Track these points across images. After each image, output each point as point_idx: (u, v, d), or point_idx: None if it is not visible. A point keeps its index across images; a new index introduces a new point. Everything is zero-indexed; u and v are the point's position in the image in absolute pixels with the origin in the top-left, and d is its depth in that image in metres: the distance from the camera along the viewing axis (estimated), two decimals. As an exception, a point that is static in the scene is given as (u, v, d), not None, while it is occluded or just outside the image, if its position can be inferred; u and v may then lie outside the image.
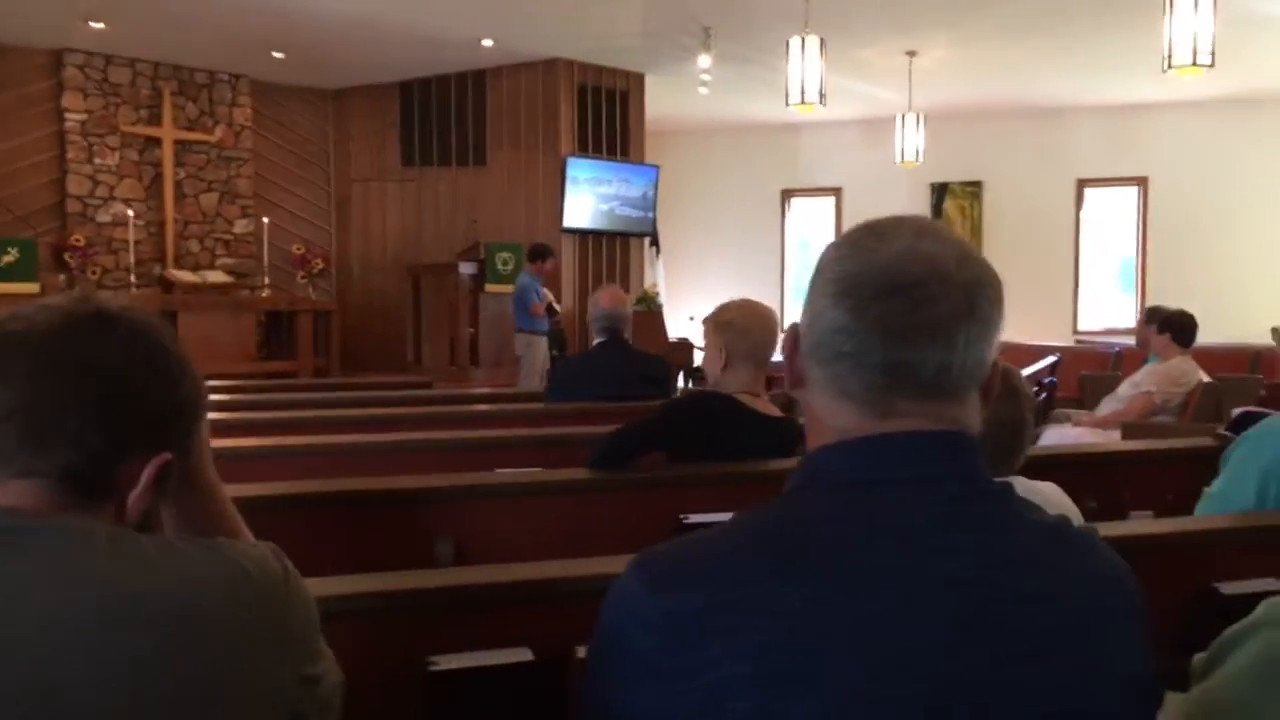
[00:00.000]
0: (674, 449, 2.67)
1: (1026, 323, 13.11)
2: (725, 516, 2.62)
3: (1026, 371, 7.07)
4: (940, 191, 14.07)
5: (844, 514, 0.97)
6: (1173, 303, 13.26)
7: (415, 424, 3.81)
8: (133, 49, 10.34)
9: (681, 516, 2.52)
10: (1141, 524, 2.06)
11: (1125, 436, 5.22)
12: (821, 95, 8.30)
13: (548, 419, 4.03)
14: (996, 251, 13.80)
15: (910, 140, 11.70)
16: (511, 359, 10.00)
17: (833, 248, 1.07)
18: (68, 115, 10.17)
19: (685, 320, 13.18)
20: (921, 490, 0.98)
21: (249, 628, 1.04)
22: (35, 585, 0.97)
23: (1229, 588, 1.87)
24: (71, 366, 1.05)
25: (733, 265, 14.54)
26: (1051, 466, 2.94)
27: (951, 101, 12.91)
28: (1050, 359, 8.03)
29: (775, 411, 2.73)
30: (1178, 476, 2.83)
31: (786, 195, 14.71)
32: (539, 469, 2.87)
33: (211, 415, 4.43)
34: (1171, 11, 6.82)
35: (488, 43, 10.63)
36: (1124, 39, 10.10)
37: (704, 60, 10.60)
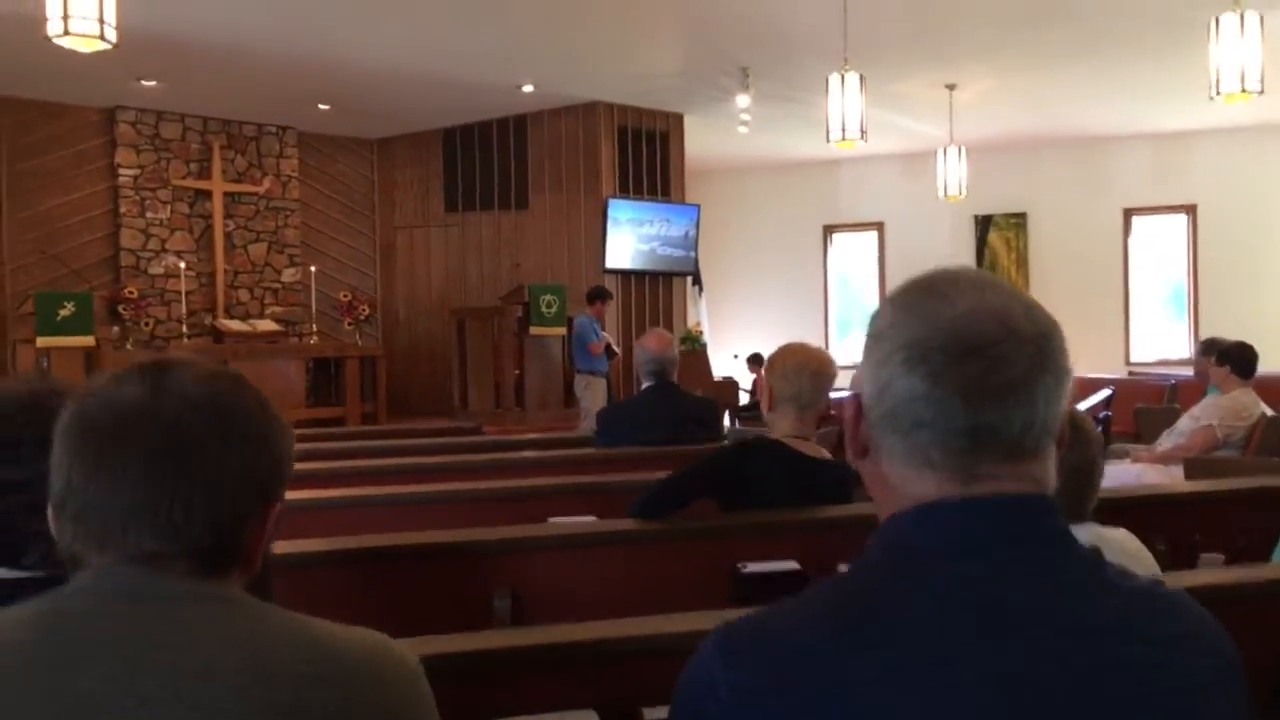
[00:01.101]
0: (722, 496, 2.64)
1: (1078, 355, 12.75)
2: (784, 564, 2.57)
3: (1090, 402, 6.96)
4: (984, 224, 13.97)
5: (926, 585, 0.94)
6: (1225, 331, 13.01)
7: (464, 472, 3.81)
8: (183, 105, 10.58)
9: (739, 565, 2.49)
10: (1223, 572, 2.00)
11: (1188, 472, 5.10)
12: (862, 131, 8.27)
13: (597, 465, 4.02)
14: (1043, 283, 13.68)
15: (952, 173, 11.63)
16: (558, 400, 10.02)
17: (890, 311, 1.03)
18: (120, 171, 10.41)
19: (730, 358, 13.16)
20: (1010, 559, 0.95)
21: (390, 707, 1.04)
22: (188, 648, 0.98)
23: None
24: (197, 451, 1.05)
25: (776, 301, 14.51)
26: (1116, 509, 2.87)
27: (993, 133, 12.85)
28: (1104, 393, 7.89)
29: (824, 454, 2.70)
30: (1247, 517, 2.74)
31: (828, 231, 14.67)
32: (593, 518, 2.85)
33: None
34: (1218, 38, 6.75)
35: (528, 88, 10.76)
36: (1167, 65, 10.02)
37: (743, 100, 10.65)
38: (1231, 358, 5.39)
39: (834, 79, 8.26)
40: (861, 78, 8.28)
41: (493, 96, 10.96)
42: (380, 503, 3.27)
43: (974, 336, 0.97)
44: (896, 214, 14.06)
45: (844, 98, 8.23)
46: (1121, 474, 5.50)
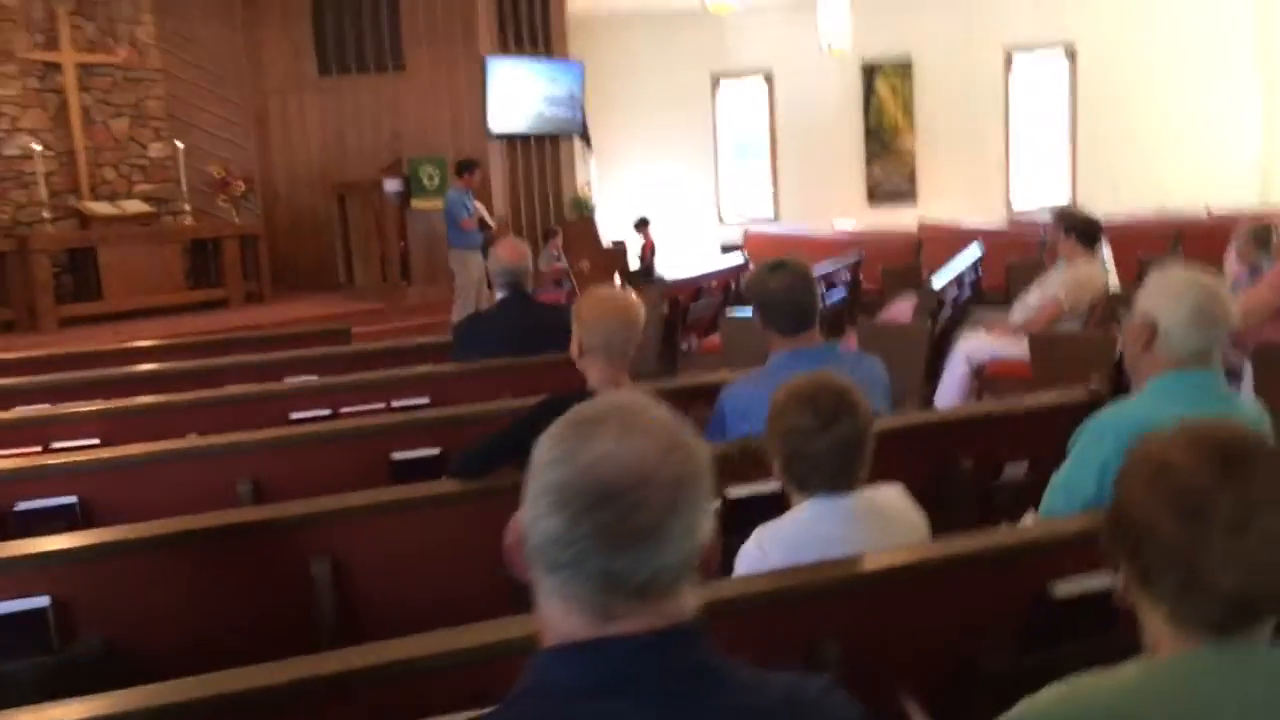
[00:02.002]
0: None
1: (960, 203, 13.19)
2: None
3: (952, 270, 7.12)
4: (871, 74, 13.89)
5: None
6: (1103, 174, 13.39)
7: (306, 396, 3.83)
8: (19, -32, 9.82)
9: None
10: (982, 537, 2.14)
11: (1032, 348, 5.35)
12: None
13: (451, 380, 4.07)
14: (929, 130, 13.79)
15: (837, 24, 11.48)
16: (446, 275, 9.91)
17: (546, 445, 1.08)
18: (-42, 45, 9.69)
19: (623, 218, 13.08)
20: (640, 697, 1.02)
21: None
22: None
23: (1064, 589, 1.95)
24: None
25: (666, 155, 14.40)
26: (926, 433, 3.03)
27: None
28: (973, 253, 8.08)
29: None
30: (1054, 431, 2.87)
31: (716, 80, 14.46)
32: (413, 486, 2.87)
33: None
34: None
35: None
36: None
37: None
38: (1077, 228, 5.56)
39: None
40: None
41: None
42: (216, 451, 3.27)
43: (609, 483, 1.02)
44: (785, 63, 13.91)
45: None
46: (975, 349, 5.73)
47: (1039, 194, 13.74)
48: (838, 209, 13.57)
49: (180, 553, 2.36)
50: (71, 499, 2.97)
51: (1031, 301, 5.69)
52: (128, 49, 10.66)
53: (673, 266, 12.12)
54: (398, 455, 3.23)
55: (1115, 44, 12.94)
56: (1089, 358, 5.09)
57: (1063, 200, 13.58)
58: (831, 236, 11.95)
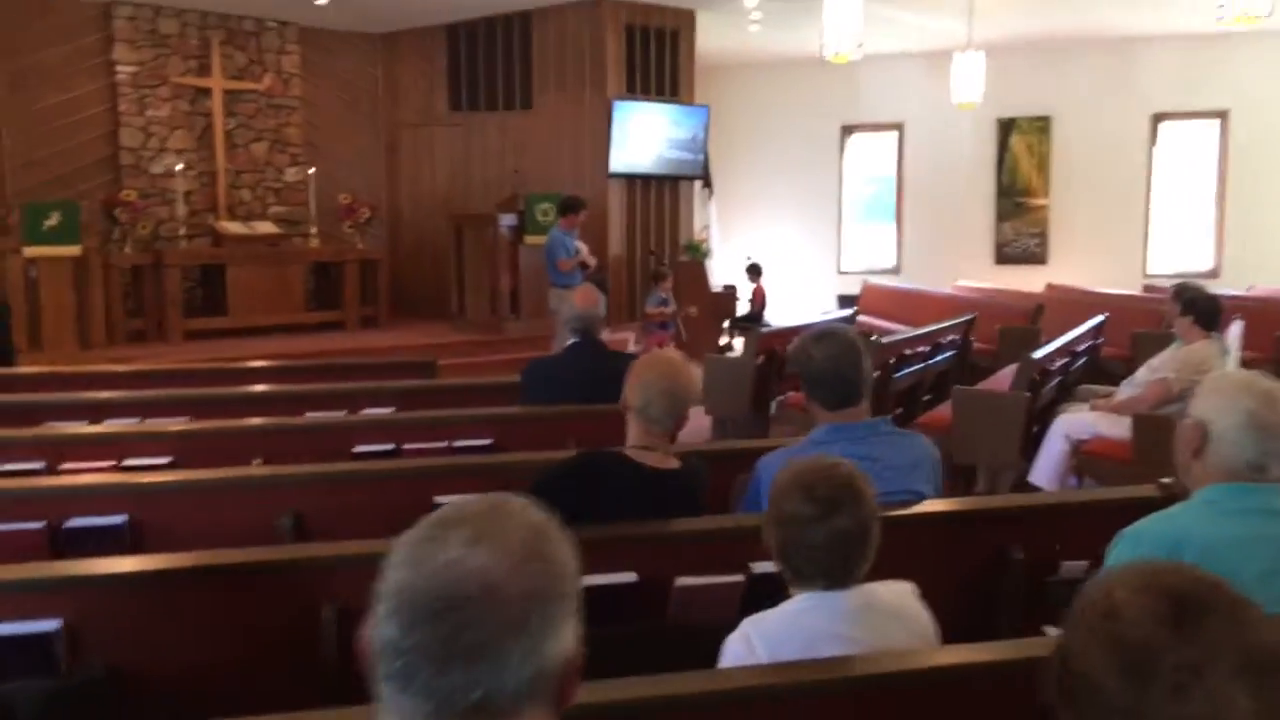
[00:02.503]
0: (563, 514, 2.67)
1: (1093, 267, 12.68)
2: (623, 577, 2.59)
3: (1069, 336, 6.81)
4: (1007, 127, 13.53)
5: None
6: (1253, 245, 12.69)
7: (373, 430, 3.87)
8: (180, 0, 10.42)
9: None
10: (994, 648, 1.98)
11: (1135, 428, 5.05)
12: (858, 44, 7.99)
13: (515, 425, 4.06)
14: (1064, 189, 13.33)
15: (970, 78, 11.20)
16: (545, 310, 9.99)
17: (402, 541, 1.03)
18: (119, 68, 10.32)
19: (741, 259, 12.97)
20: None
21: None
22: None
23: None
24: None
25: (790, 203, 14.28)
26: (978, 520, 2.85)
27: (1017, 32, 12.33)
28: (1096, 320, 7.72)
29: (670, 463, 2.69)
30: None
31: (846, 131, 14.30)
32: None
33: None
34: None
35: (530, -16, 10.47)
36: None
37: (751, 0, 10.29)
38: (1196, 307, 5.24)
39: (830, -11, 7.95)
40: (860, -12, 7.95)
41: (495, -7, 10.69)
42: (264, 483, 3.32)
43: (447, 593, 0.95)
44: (917, 115, 13.66)
45: (839, 11, 7.92)
46: (1075, 424, 5.45)
47: (1179, 261, 13.11)
48: (964, 266, 13.20)
49: (193, 587, 2.39)
50: (121, 519, 3.05)
51: (1139, 377, 5.39)
52: (272, 78, 11.19)
53: (785, 315, 12.00)
54: (439, 498, 3.22)
55: (1270, 112, 12.29)
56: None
57: (1205, 268, 12.95)
58: (951, 294, 11.61)
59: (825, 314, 9.59)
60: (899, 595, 1.95)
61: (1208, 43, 12.18)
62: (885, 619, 1.88)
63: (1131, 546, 2.01)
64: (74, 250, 8.17)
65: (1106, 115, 12.97)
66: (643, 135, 11.46)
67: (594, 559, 2.54)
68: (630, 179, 11.57)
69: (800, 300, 13.57)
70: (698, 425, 5.71)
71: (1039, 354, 5.73)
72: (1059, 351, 6.30)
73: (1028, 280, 12.55)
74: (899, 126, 14.00)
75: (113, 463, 3.76)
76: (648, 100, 11.49)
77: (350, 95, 12.02)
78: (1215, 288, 11.53)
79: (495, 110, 11.74)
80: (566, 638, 1.01)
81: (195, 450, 3.83)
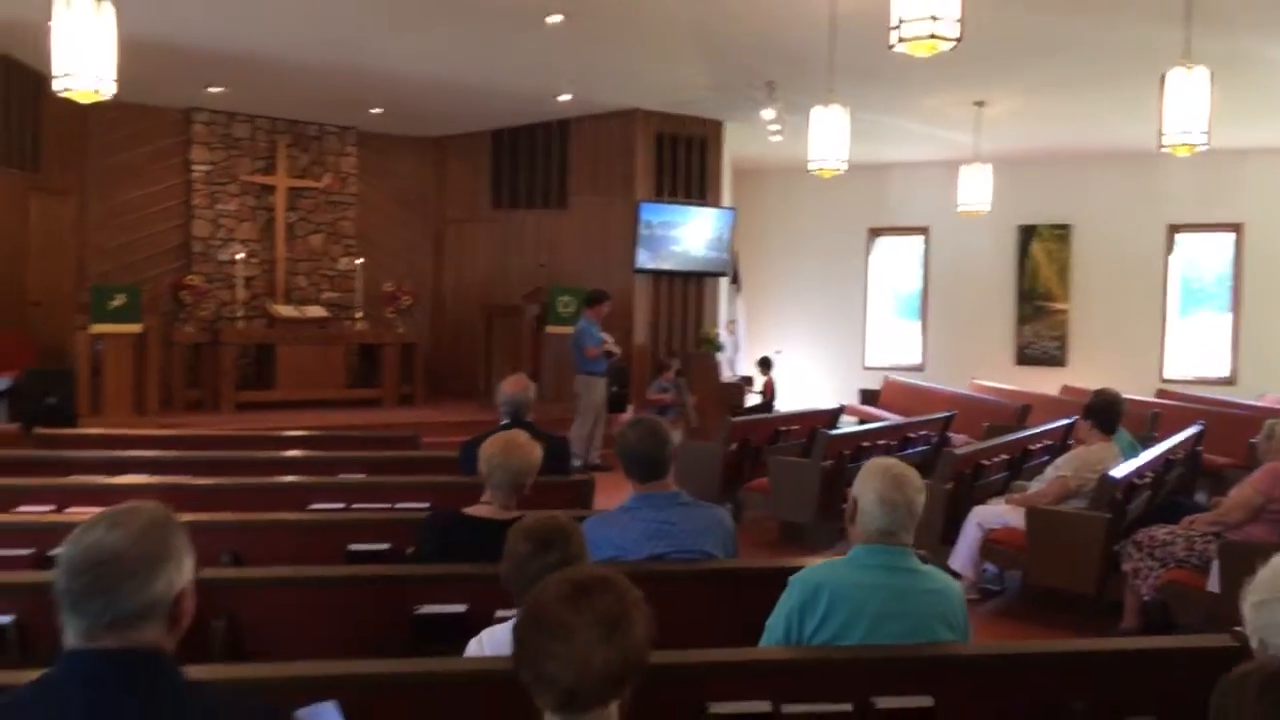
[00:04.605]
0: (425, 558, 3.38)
1: (1112, 369, 12.98)
2: (454, 608, 3.22)
3: (1004, 435, 7.27)
4: (1027, 234, 14.03)
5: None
6: (1268, 351, 12.83)
7: (325, 491, 4.59)
8: (252, 107, 11.62)
9: (415, 608, 3.18)
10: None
11: (1028, 519, 5.53)
12: (842, 161, 8.67)
13: (451, 491, 4.73)
14: (1084, 295, 13.72)
15: (977, 188, 11.80)
16: (572, 394, 10.72)
17: (73, 531, 1.69)
18: (194, 167, 11.53)
19: (764, 353, 13.58)
20: (87, 685, 1.60)
21: None
22: None
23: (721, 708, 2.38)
24: None
25: (817, 300, 14.89)
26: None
27: (1034, 146, 12.92)
28: (1055, 421, 8.15)
29: (493, 516, 3.33)
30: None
31: (874, 233, 14.93)
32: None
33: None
34: (1163, 96, 6.94)
35: (565, 98, 11.42)
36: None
37: (768, 113, 11.04)
38: (1094, 413, 5.73)
39: (816, 111, 8.66)
40: (845, 108, 8.64)
41: (535, 104, 11.66)
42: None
43: (89, 559, 1.61)
44: (941, 220, 14.21)
45: (826, 128, 8.62)
46: (987, 514, 5.93)
47: (1196, 367, 13.35)
48: (985, 366, 13.61)
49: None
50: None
51: (1047, 474, 5.86)
52: (331, 177, 12.30)
53: (800, 406, 12.53)
54: (353, 547, 3.91)
55: (1282, 223, 12.64)
56: (1081, 535, 5.26)
57: (1222, 374, 13.17)
58: (966, 393, 12.04)
59: (811, 408, 10.10)
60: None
61: (1222, 158, 12.57)
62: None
63: (797, 586, 2.60)
64: (135, 328, 9.19)
65: (1125, 225, 13.40)
66: (668, 236, 12.25)
67: (433, 592, 3.20)
68: (656, 275, 12.34)
69: (824, 394, 14.08)
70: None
71: (962, 450, 6.23)
72: (988, 450, 6.78)
73: (1046, 381, 12.92)
74: (925, 230, 14.59)
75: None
76: (674, 203, 12.31)
77: (401, 192, 13.10)
78: (1230, 395, 11.89)
79: (533, 208, 12.68)
80: (171, 582, 1.66)
81: (174, 499, 4.59)
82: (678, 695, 2.41)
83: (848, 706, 2.41)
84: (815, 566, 2.64)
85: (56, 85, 5.84)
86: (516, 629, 1.70)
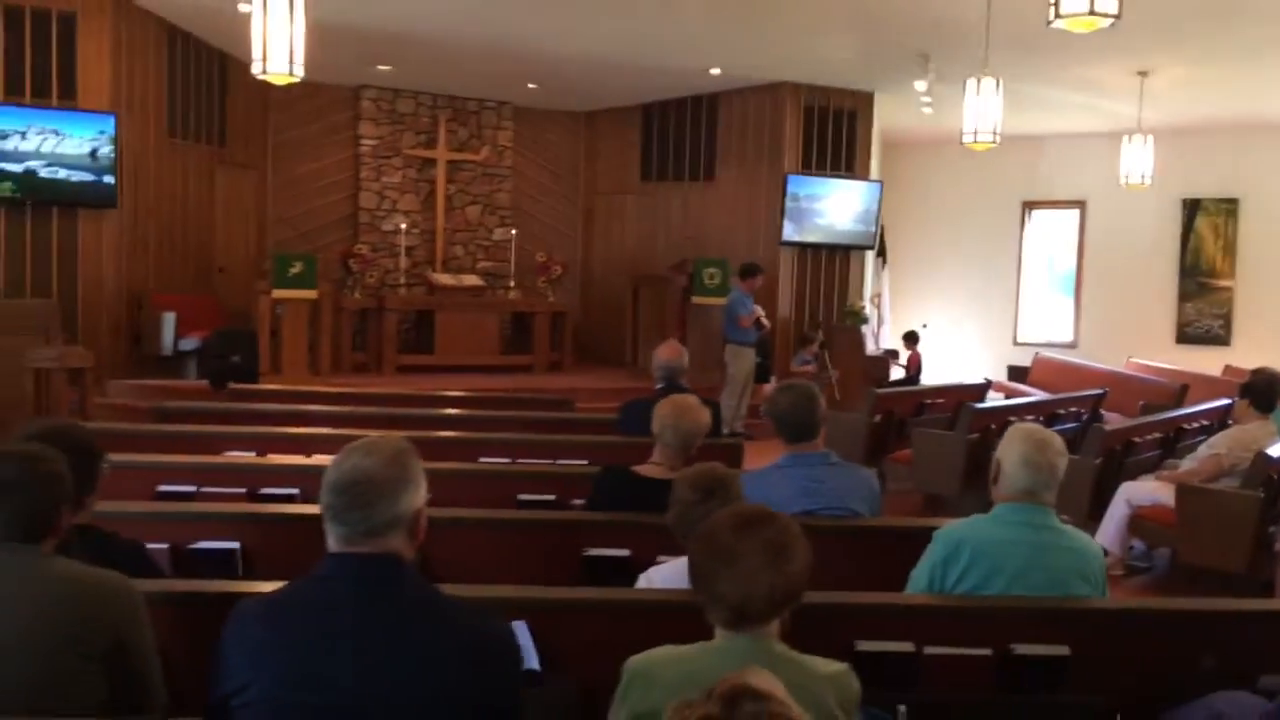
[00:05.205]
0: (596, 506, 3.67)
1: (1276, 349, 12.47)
2: (619, 551, 3.55)
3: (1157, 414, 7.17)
4: (1192, 208, 13.52)
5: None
6: None
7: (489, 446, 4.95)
8: (415, 84, 12.19)
9: (584, 550, 3.48)
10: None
11: (1178, 496, 5.51)
12: (994, 134, 8.61)
13: (611, 450, 5.05)
14: (1252, 272, 13.17)
15: (1139, 161, 11.46)
16: (716, 363, 10.93)
17: (334, 459, 2.01)
18: (362, 141, 12.18)
19: (909, 327, 13.53)
20: (351, 584, 1.92)
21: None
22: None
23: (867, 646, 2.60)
24: None
25: (967, 274, 14.69)
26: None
27: (1200, 117, 12.44)
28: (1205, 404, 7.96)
29: (661, 475, 3.57)
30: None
31: (1027, 207, 14.62)
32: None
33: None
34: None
35: (715, 71, 11.59)
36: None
37: (920, 85, 10.97)
38: (1252, 391, 5.64)
39: (970, 83, 8.62)
40: (997, 82, 8.57)
41: (685, 78, 11.88)
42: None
43: (348, 480, 1.94)
44: (1099, 193, 13.83)
45: (979, 100, 8.58)
46: (1136, 491, 5.92)
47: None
48: (1143, 344, 13.23)
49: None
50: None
51: (1200, 452, 5.81)
52: (489, 150, 12.80)
53: (940, 381, 12.45)
54: (522, 496, 4.25)
55: None
56: (1233, 514, 5.24)
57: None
58: (1122, 372, 11.76)
59: (959, 382, 10.06)
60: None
61: None
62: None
63: (941, 540, 2.78)
64: (311, 294, 9.85)
65: (1297, 199, 12.80)
66: (815, 208, 12.32)
67: (601, 536, 3.50)
68: (802, 248, 12.43)
69: (972, 370, 13.92)
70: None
71: (1110, 427, 6.21)
72: (1142, 426, 6.71)
73: (1208, 361, 12.49)
74: (1081, 204, 14.21)
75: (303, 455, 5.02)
76: (822, 176, 12.35)
77: (555, 166, 13.52)
78: None
79: (681, 181, 12.92)
80: (412, 502, 1.97)
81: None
82: (828, 631, 2.62)
83: (987, 651, 2.59)
84: (959, 522, 2.82)
85: (255, 69, 6.36)
86: (691, 555, 1.96)
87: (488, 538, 3.51)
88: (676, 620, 2.25)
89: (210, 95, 10.95)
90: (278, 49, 6.28)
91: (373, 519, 1.94)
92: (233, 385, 7.55)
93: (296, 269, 9.64)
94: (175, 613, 2.54)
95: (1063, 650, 2.57)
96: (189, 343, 10.01)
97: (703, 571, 1.91)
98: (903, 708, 2.25)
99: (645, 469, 3.60)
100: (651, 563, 3.47)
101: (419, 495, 2.01)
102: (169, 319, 9.92)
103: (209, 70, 10.89)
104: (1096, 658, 2.63)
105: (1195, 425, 7.40)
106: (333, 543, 1.97)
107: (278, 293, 9.72)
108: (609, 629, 2.63)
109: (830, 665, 1.92)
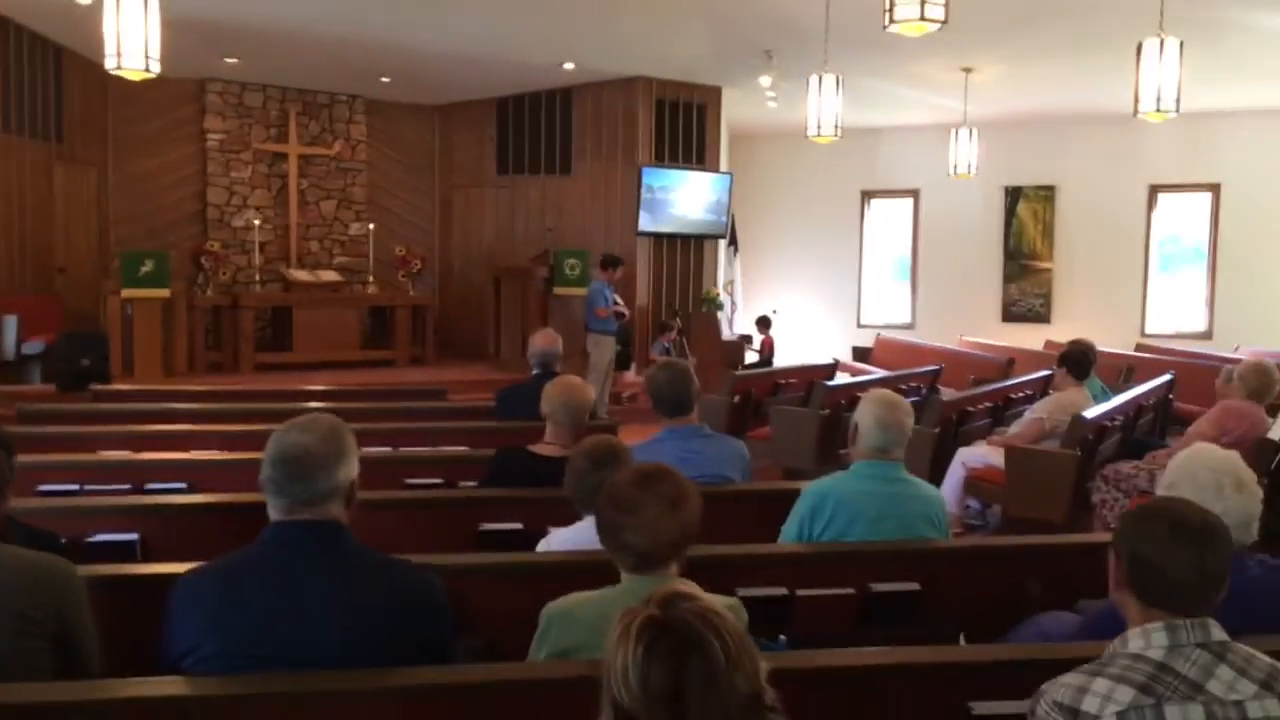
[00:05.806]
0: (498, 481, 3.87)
1: (1093, 326, 13.51)
2: (513, 525, 3.77)
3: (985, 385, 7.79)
4: (1014, 195, 14.51)
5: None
6: (1242, 304, 13.37)
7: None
8: (264, 77, 12.00)
9: (480, 525, 3.69)
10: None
11: (1006, 458, 6.06)
12: (836, 128, 9.13)
13: (486, 435, 5.24)
14: (1068, 253, 14.23)
15: (964, 152, 12.26)
16: (579, 352, 11.19)
17: (274, 434, 2.20)
18: (209, 135, 11.93)
19: (761, 312, 14.08)
20: (292, 546, 2.11)
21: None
22: None
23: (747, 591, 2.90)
24: None
25: (812, 261, 15.38)
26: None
27: (1019, 109, 13.36)
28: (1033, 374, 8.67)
29: (551, 453, 3.82)
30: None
31: (866, 196, 15.40)
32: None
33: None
34: (1138, 66, 7.40)
35: (569, 66, 11.82)
36: (1191, 54, 10.40)
37: (765, 80, 11.46)
38: (1068, 361, 6.25)
39: (812, 80, 9.11)
40: (838, 80, 9.10)
41: (539, 73, 12.06)
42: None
43: (289, 454, 2.13)
44: (931, 182, 14.68)
45: (821, 96, 9.08)
46: (970, 454, 6.46)
47: (1175, 323, 13.91)
48: (973, 323, 14.14)
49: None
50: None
51: (1025, 417, 6.39)
52: (342, 144, 12.71)
53: (791, 363, 13.05)
54: (409, 481, 4.41)
55: (1258, 186, 13.13)
56: (1054, 471, 5.81)
57: (1199, 329, 13.73)
58: (953, 349, 12.57)
59: (809, 363, 10.62)
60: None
61: (1201, 121, 13.05)
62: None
63: (807, 496, 3.12)
64: (163, 293, 9.65)
65: (1107, 185, 13.90)
66: (669, 200, 12.71)
67: (493, 512, 3.71)
68: (658, 238, 12.80)
69: (818, 352, 14.60)
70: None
71: (947, 399, 6.75)
72: (970, 398, 7.31)
73: (1031, 338, 13.46)
74: (915, 193, 15.06)
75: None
76: (675, 168, 12.75)
77: (410, 159, 13.51)
78: (1206, 348, 12.44)
79: (538, 174, 13.11)
80: (348, 473, 2.17)
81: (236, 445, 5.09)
82: (714, 580, 2.91)
83: (850, 590, 2.94)
84: (823, 479, 3.17)
85: (109, 64, 6.28)
86: (598, 509, 2.22)
87: (386, 518, 3.68)
88: (580, 577, 2.50)
89: (45, 89, 10.55)
90: (132, 43, 6.22)
91: (312, 490, 2.13)
92: (94, 387, 7.40)
93: (147, 268, 9.43)
94: (103, 596, 2.64)
95: (914, 586, 2.95)
96: (34, 346, 9.67)
97: (610, 523, 2.18)
98: (783, 637, 2.57)
99: (541, 448, 3.83)
100: (542, 534, 3.72)
101: (353, 466, 2.21)
102: (10, 322, 9.57)
103: (43, 63, 10.49)
104: (943, 591, 3.01)
105: (1020, 394, 8.07)
106: (275, 512, 2.15)
107: (127, 292, 9.50)
108: (513, 592, 2.87)
109: (724, 598, 2.21)
